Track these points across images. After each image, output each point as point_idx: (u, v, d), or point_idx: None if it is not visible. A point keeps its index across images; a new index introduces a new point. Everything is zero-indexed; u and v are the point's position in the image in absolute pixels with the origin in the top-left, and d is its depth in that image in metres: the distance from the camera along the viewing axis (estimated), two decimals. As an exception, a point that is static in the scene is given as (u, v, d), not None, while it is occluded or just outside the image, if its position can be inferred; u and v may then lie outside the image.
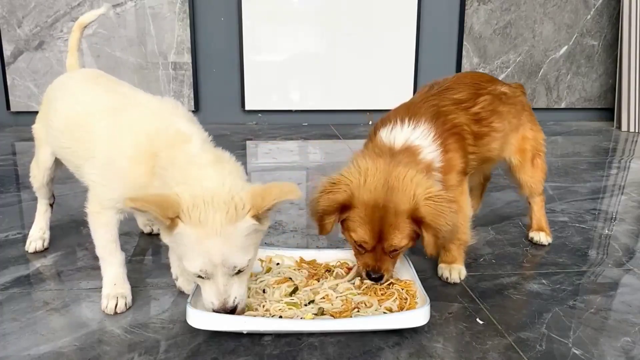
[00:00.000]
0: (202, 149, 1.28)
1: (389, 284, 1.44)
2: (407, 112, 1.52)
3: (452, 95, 1.58)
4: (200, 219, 1.14)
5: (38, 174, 1.73)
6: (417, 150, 1.44)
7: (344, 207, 1.38)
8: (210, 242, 1.15)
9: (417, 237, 1.40)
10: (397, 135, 1.46)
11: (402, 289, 1.42)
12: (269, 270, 1.52)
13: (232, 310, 1.22)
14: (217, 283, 1.19)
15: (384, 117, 1.57)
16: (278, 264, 1.57)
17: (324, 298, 1.38)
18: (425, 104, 1.55)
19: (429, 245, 1.37)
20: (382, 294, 1.40)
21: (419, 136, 1.46)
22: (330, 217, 1.40)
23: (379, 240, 1.37)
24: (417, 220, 1.35)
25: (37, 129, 1.69)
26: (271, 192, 1.18)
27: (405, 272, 1.49)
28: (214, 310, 1.22)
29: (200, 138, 1.33)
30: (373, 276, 1.41)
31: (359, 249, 1.42)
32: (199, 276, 1.20)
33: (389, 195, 1.34)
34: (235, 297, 1.22)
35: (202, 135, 1.36)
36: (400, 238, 1.36)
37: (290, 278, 1.47)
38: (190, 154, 1.26)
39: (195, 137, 1.31)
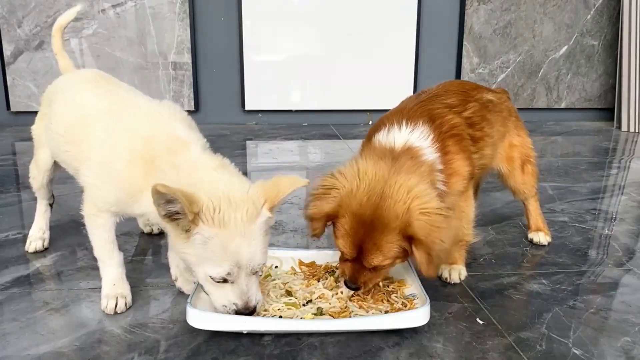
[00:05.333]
0: (204, 155, 1.28)
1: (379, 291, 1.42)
2: (401, 115, 1.46)
3: (443, 101, 1.55)
4: (224, 219, 1.13)
5: (37, 175, 1.73)
6: (419, 152, 1.39)
7: (331, 216, 1.33)
8: (236, 244, 1.14)
9: (405, 255, 1.32)
10: (396, 136, 1.41)
11: (397, 293, 1.41)
12: (268, 276, 1.51)
13: (253, 311, 1.22)
14: (239, 284, 1.19)
15: (376, 123, 1.52)
16: (276, 267, 1.57)
17: (320, 297, 1.38)
18: (419, 108, 1.50)
19: (422, 264, 1.28)
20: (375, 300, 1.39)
21: (418, 137, 1.41)
22: (318, 223, 1.36)
23: (360, 254, 1.30)
24: (408, 238, 1.27)
25: (37, 130, 1.69)
26: (283, 184, 1.22)
27: (405, 272, 1.49)
28: (237, 312, 1.21)
29: (200, 144, 1.32)
30: (349, 285, 1.36)
31: (342, 255, 1.37)
32: (220, 280, 1.18)
33: (380, 209, 1.26)
34: (255, 296, 1.23)
35: (201, 141, 1.35)
36: (381, 259, 1.29)
37: (287, 284, 1.46)
38: (193, 159, 1.25)
39: (195, 143, 1.30)
